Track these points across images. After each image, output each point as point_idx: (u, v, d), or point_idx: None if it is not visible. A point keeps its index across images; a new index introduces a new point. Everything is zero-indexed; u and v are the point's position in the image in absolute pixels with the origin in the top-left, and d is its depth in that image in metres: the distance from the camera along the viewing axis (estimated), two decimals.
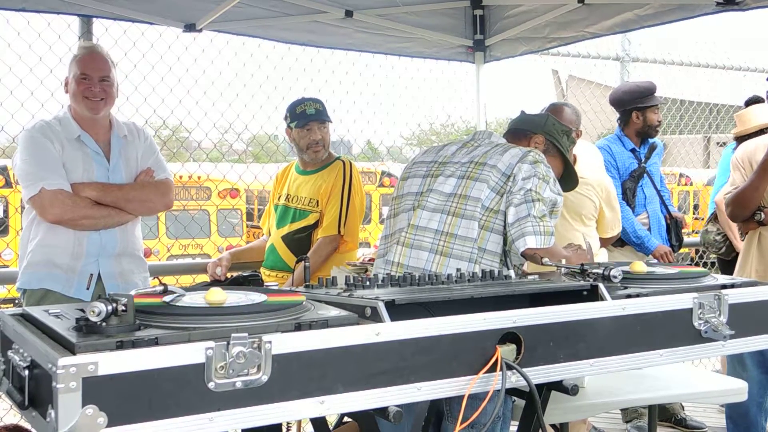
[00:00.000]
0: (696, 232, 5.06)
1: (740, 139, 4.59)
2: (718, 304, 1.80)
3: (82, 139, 2.99)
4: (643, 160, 4.23)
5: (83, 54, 3.01)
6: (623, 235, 4.04)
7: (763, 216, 3.44)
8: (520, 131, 2.78)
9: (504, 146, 2.58)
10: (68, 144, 2.96)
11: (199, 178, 9.34)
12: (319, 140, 3.53)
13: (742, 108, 4.82)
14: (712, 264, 4.96)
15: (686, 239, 4.82)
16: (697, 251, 6.46)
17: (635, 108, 4.25)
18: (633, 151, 4.23)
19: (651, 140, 4.29)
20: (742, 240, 4.61)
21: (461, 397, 1.48)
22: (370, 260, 3.35)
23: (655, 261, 3.77)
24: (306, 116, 3.51)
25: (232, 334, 1.28)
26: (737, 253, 4.64)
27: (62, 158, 2.92)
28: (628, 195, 4.15)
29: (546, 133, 2.75)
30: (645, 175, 4.21)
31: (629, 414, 4.38)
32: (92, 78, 2.95)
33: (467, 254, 2.42)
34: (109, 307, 1.27)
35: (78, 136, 2.98)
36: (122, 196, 3.00)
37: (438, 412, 2.37)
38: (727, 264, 4.67)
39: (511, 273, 2.01)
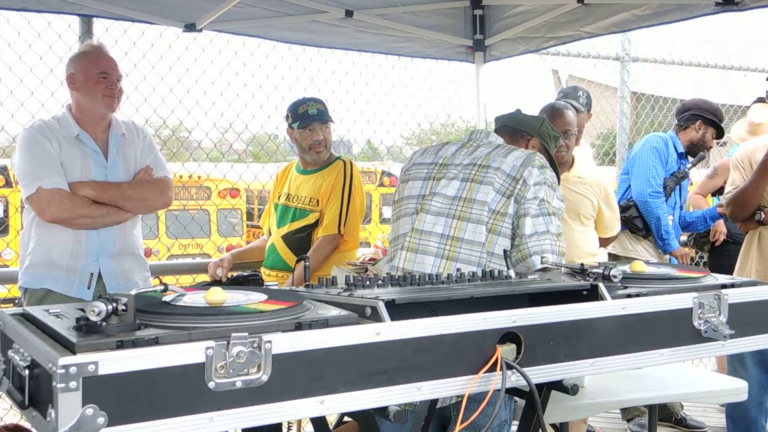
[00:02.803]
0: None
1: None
2: (718, 304, 1.80)
3: (80, 138, 2.99)
4: (686, 167, 4.24)
5: (98, 53, 3.05)
6: (654, 225, 4.04)
7: (763, 216, 3.44)
8: (518, 132, 2.73)
9: (506, 147, 2.53)
10: (66, 143, 2.96)
11: (199, 177, 9.33)
12: (322, 141, 3.53)
13: (747, 107, 4.79)
14: (705, 264, 4.97)
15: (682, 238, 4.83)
16: (697, 251, 6.48)
17: (705, 118, 4.23)
18: (680, 156, 4.25)
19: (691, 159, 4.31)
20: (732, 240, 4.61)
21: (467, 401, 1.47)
22: (370, 260, 3.35)
23: (656, 261, 3.78)
24: (308, 117, 3.50)
25: (233, 334, 1.28)
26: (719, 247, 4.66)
27: (60, 157, 2.93)
28: (666, 191, 4.16)
29: (540, 136, 2.74)
30: (681, 183, 4.22)
31: (630, 412, 4.38)
32: (111, 76, 3.00)
33: (476, 258, 2.37)
34: (109, 307, 1.27)
35: (77, 135, 2.99)
36: (120, 194, 3.00)
37: (443, 417, 2.35)
38: (715, 262, 4.64)
39: (512, 273, 2.00)
